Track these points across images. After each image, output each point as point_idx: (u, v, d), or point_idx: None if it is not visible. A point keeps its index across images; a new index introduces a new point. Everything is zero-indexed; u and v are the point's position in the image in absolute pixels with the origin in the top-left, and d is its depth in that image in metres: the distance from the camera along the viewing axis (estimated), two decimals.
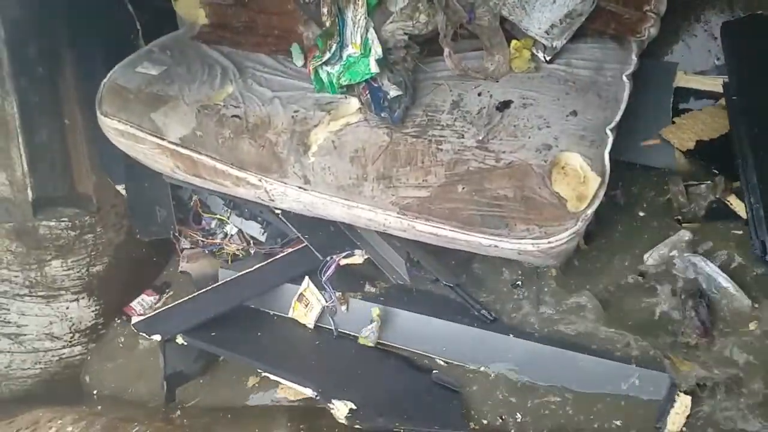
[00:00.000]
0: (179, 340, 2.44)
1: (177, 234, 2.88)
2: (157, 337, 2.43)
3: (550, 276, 2.33)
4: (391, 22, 2.29)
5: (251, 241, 2.85)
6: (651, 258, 2.24)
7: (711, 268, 2.10)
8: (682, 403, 1.88)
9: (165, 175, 2.71)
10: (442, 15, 2.25)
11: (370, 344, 2.34)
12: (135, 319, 2.73)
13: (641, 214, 2.42)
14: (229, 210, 2.88)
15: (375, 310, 2.34)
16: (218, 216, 2.92)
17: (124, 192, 2.93)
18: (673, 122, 2.37)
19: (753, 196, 2.16)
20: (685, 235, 2.23)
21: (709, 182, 2.34)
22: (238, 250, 2.85)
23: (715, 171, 2.36)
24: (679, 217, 2.34)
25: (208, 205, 2.96)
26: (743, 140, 2.23)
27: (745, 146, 2.22)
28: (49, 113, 2.75)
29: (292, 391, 2.42)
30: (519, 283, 2.38)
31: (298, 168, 2.27)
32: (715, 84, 2.43)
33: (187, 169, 2.50)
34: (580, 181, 1.99)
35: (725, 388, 1.90)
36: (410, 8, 2.29)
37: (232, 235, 2.89)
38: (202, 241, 2.88)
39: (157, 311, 2.68)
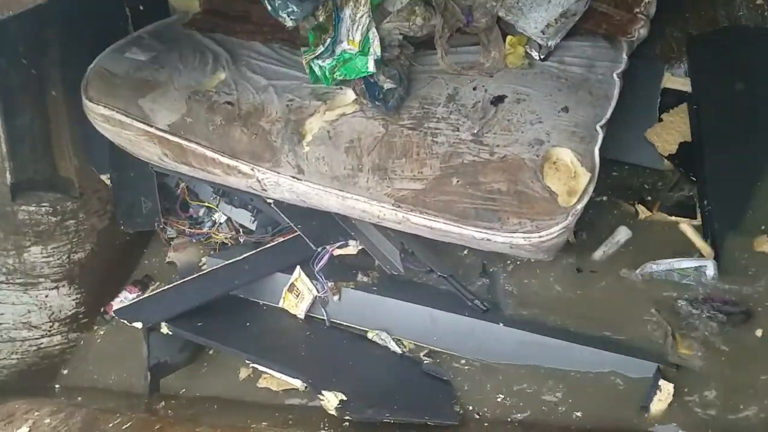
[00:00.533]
0: (164, 329, 2.39)
1: (163, 226, 2.83)
2: (138, 325, 2.36)
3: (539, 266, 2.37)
4: (388, 22, 2.29)
5: (241, 230, 2.81)
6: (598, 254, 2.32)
7: (662, 265, 2.17)
8: (665, 389, 1.93)
9: (152, 164, 2.66)
10: (440, 18, 2.26)
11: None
12: (116, 306, 2.67)
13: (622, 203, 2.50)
14: (218, 197, 2.83)
15: None
16: (206, 203, 2.86)
17: (108, 182, 2.86)
18: (661, 120, 2.44)
19: (707, 200, 2.28)
20: (623, 230, 2.34)
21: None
22: (226, 238, 2.80)
23: (693, 177, 2.44)
24: (649, 198, 2.42)
25: (196, 193, 2.90)
26: (702, 147, 2.35)
27: (704, 152, 2.33)
28: (31, 95, 2.65)
29: (275, 381, 2.40)
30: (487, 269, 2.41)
31: (292, 157, 2.25)
32: None
33: (176, 157, 2.46)
34: (571, 176, 2.04)
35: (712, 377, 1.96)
36: (407, 11, 2.30)
37: (220, 223, 2.84)
38: (189, 231, 2.83)
39: (140, 298, 2.62)
